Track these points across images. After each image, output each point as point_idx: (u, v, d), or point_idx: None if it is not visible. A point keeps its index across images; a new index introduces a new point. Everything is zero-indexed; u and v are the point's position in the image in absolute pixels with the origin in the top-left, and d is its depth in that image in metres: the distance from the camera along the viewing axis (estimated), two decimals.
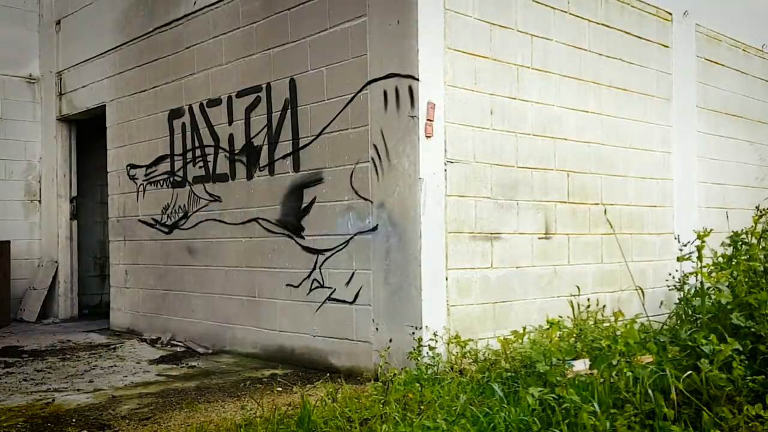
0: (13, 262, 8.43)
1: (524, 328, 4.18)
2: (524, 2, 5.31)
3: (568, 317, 5.40)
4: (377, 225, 4.78)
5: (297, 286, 5.37)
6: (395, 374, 4.12)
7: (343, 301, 5.02)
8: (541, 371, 3.23)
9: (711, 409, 2.97)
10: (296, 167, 5.41)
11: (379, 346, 4.75)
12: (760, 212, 4.39)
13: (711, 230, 3.81)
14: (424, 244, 4.55)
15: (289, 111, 5.47)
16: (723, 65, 7.50)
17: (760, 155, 8.08)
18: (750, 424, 2.90)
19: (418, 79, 4.55)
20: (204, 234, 6.32)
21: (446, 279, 4.68)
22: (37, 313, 8.50)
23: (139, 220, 7.17)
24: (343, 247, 5.02)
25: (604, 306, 5.64)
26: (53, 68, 8.73)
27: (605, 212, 5.86)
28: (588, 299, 5.67)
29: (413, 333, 4.52)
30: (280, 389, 4.53)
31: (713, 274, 3.84)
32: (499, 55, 5.10)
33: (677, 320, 3.91)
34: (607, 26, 6.00)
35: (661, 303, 5.39)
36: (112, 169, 7.64)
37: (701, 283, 3.63)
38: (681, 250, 4.26)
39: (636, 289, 5.57)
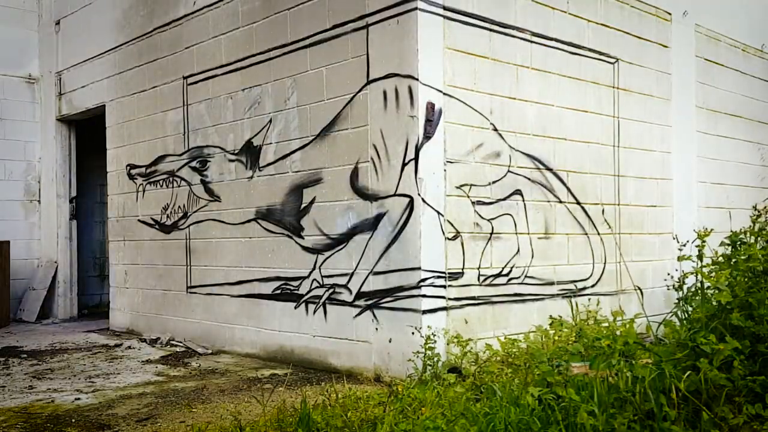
0: (13, 262, 8.42)
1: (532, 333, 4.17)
2: (524, 2, 5.31)
3: (567, 317, 5.41)
4: (377, 225, 4.78)
5: (297, 286, 5.37)
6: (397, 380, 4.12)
7: (343, 302, 5.01)
8: (543, 370, 3.23)
9: (711, 408, 2.97)
10: (296, 167, 5.41)
11: (379, 346, 4.75)
12: (758, 212, 4.37)
13: (711, 230, 3.81)
14: (424, 244, 4.55)
15: (288, 111, 5.47)
16: (722, 65, 7.50)
17: (760, 155, 8.09)
18: (750, 424, 2.90)
19: (417, 79, 4.55)
20: (203, 234, 6.32)
21: (446, 279, 4.68)
22: (37, 313, 8.50)
23: (139, 220, 7.16)
24: (343, 247, 5.02)
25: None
26: (53, 68, 8.73)
27: (603, 212, 5.86)
28: (588, 299, 5.67)
29: (413, 333, 4.52)
30: (280, 389, 4.53)
31: (713, 274, 3.84)
32: (498, 55, 5.10)
33: (676, 320, 3.90)
34: (607, 26, 6.00)
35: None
36: (112, 169, 7.64)
37: (701, 282, 3.63)
38: (681, 249, 4.26)
39: (635, 289, 5.59)
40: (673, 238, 4.57)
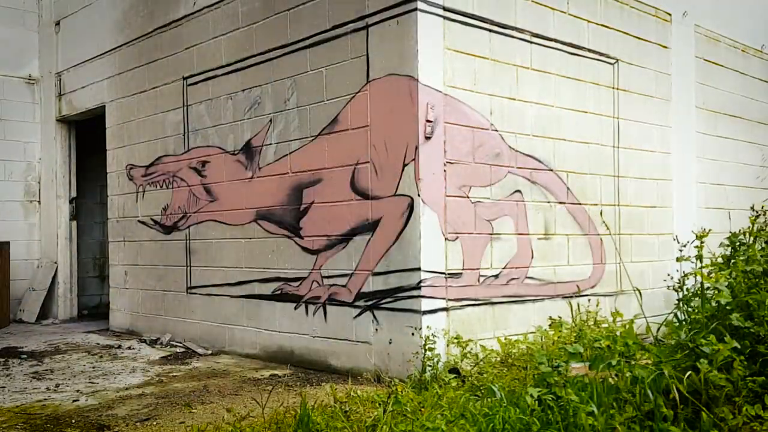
0: (13, 262, 8.43)
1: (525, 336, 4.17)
2: (523, 3, 5.31)
3: (567, 317, 5.41)
4: (377, 225, 4.78)
5: (297, 287, 5.37)
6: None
7: (343, 302, 5.02)
8: (542, 371, 3.22)
9: (710, 409, 2.97)
10: (296, 168, 5.41)
11: (379, 347, 4.75)
12: (757, 213, 4.37)
13: (710, 230, 3.81)
14: (424, 244, 4.55)
15: (288, 111, 5.47)
16: (722, 66, 7.50)
17: (760, 156, 8.09)
18: (749, 425, 2.90)
19: (417, 80, 4.55)
20: (203, 235, 6.32)
21: (446, 279, 4.68)
22: (37, 313, 8.50)
23: (139, 221, 7.17)
24: (343, 248, 5.02)
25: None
26: (53, 69, 8.73)
27: (601, 214, 5.86)
28: (588, 299, 5.67)
29: (413, 333, 4.52)
30: (280, 390, 4.53)
31: (712, 275, 3.84)
32: (498, 55, 5.11)
33: (676, 321, 3.90)
34: (607, 27, 6.00)
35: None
36: (112, 170, 7.64)
37: (701, 284, 3.63)
38: (681, 250, 4.26)
39: (634, 290, 5.58)
40: (674, 239, 4.57)
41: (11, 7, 8.82)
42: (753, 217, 4.16)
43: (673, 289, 4.18)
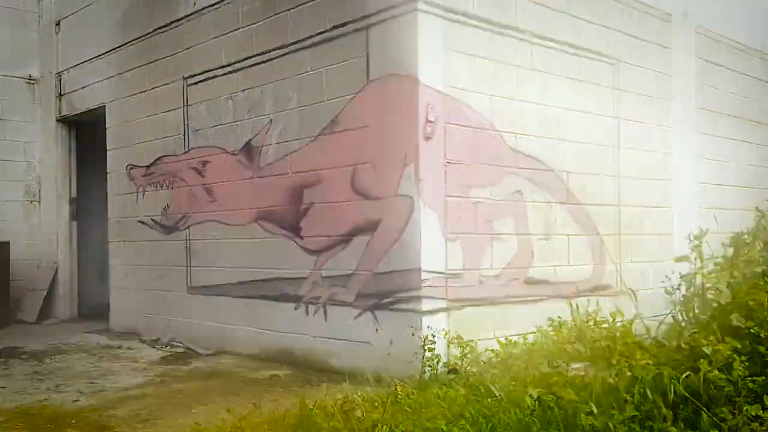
0: (13, 263, 8.42)
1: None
2: (524, 3, 5.31)
3: (568, 318, 5.41)
4: (377, 226, 4.78)
5: (297, 287, 5.37)
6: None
7: (343, 302, 5.01)
8: (542, 371, 3.23)
9: (710, 409, 2.97)
10: (296, 167, 5.41)
11: (380, 348, 4.75)
12: (761, 213, 4.37)
13: (707, 230, 3.81)
14: (424, 244, 4.55)
15: (288, 111, 5.47)
16: (723, 66, 7.50)
17: (760, 156, 8.08)
18: (750, 425, 2.90)
19: (417, 80, 4.55)
20: (203, 235, 6.32)
21: (446, 280, 4.67)
22: (37, 314, 8.49)
23: (139, 221, 7.16)
24: (343, 248, 5.02)
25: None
26: (53, 69, 8.73)
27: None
28: (588, 300, 5.67)
29: (413, 334, 4.52)
30: (280, 390, 4.53)
31: (713, 275, 3.84)
32: (498, 55, 5.10)
33: (675, 321, 3.90)
34: (607, 27, 6.00)
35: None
36: (112, 170, 7.65)
37: (701, 284, 3.63)
38: (693, 249, 4.23)
39: (634, 291, 5.58)
40: (687, 238, 4.54)
41: (11, 7, 8.82)
42: (759, 217, 4.16)
43: (669, 291, 4.18)
